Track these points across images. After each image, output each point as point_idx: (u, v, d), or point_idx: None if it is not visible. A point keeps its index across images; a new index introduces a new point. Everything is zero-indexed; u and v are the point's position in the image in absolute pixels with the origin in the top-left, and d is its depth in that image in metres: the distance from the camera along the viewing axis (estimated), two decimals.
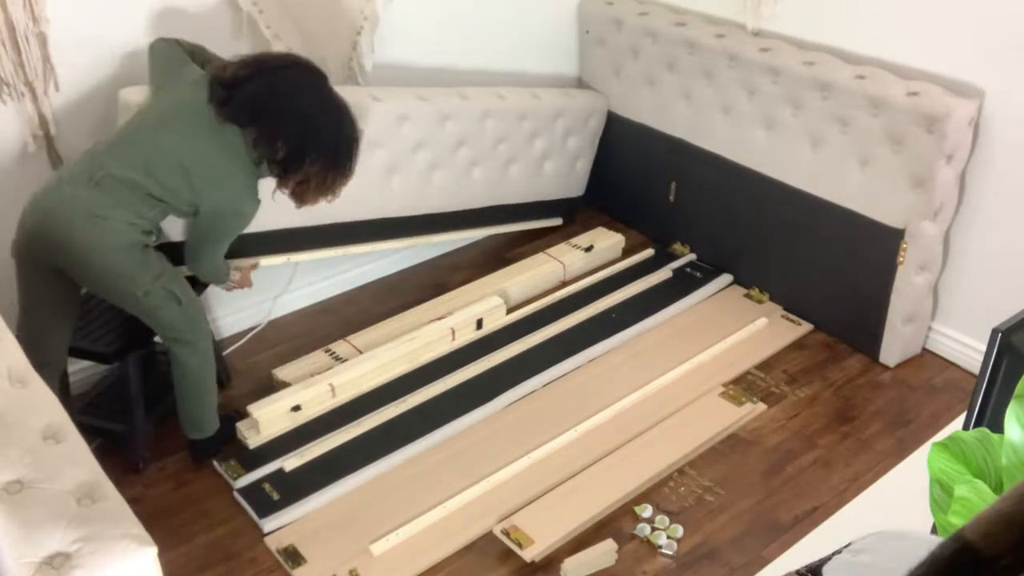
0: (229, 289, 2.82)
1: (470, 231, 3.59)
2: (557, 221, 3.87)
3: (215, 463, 2.75)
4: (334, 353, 3.14)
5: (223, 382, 2.98)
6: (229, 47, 2.93)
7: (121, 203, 2.35)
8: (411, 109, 3.12)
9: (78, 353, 2.63)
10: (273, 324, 3.38)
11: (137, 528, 1.44)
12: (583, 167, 3.81)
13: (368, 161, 3.01)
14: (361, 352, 3.10)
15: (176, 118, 2.39)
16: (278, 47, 2.97)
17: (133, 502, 1.56)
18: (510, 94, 3.43)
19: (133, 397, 2.66)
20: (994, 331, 1.24)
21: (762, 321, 3.29)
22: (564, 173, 3.74)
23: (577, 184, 3.85)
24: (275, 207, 2.59)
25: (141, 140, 2.38)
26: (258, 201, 2.48)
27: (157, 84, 2.51)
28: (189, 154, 2.37)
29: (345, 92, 2.85)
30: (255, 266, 2.92)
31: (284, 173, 2.44)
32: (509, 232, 3.77)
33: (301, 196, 2.49)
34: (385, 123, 3.06)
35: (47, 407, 1.72)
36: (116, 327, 2.66)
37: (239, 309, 3.30)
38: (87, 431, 2.74)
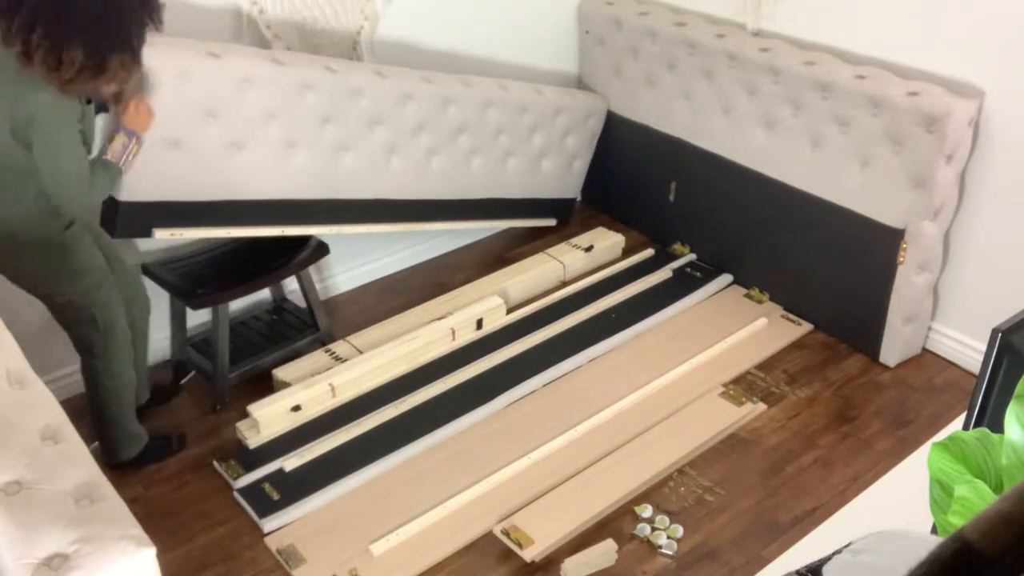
0: (125, 164, 2.45)
1: (464, 222, 3.55)
2: (551, 221, 3.86)
3: (215, 463, 2.75)
4: (334, 353, 3.14)
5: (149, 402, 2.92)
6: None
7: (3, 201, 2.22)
8: (415, 89, 3.10)
9: (173, 290, 2.89)
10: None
11: (136, 529, 1.44)
12: (580, 168, 3.82)
13: (368, 137, 3.03)
14: (361, 352, 3.10)
15: None
16: (278, 46, 2.97)
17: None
18: (513, 86, 3.42)
19: (219, 342, 2.90)
20: (994, 331, 1.24)
21: (762, 321, 3.29)
22: (561, 173, 3.74)
23: (573, 185, 3.85)
24: (266, 177, 2.54)
25: None
26: (53, 96, 2.12)
27: None
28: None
29: (350, 68, 2.86)
30: (140, 96, 2.47)
31: (26, 57, 2.04)
32: (502, 228, 3.74)
33: (78, 84, 2.10)
34: (388, 101, 3.04)
35: (46, 407, 1.72)
36: (214, 278, 2.90)
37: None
38: (184, 366, 3.05)
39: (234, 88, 2.68)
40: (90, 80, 2.11)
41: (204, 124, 2.67)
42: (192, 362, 3.07)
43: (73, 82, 2.09)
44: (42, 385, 1.80)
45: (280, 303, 3.36)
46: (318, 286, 3.47)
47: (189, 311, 3.04)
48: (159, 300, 2.96)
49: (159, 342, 3.08)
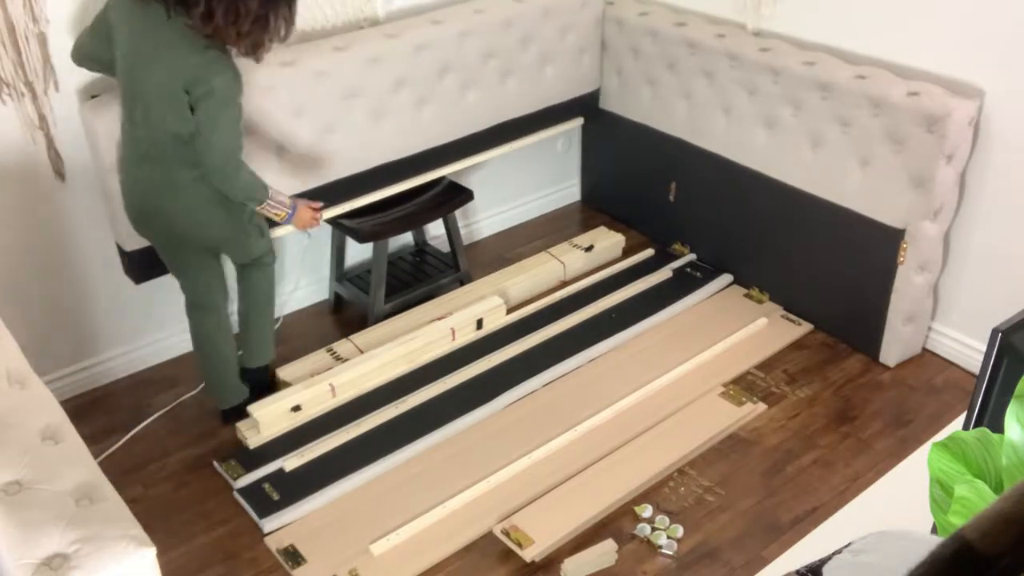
0: (280, 217, 2.62)
1: (502, 147, 3.53)
2: (578, 121, 3.78)
3: (215, 463, 2.75)
4: (335, 352, 3.14)
5: None
6: None
7: (178, 163, 2.43)
8: (428, 36, 3.13)
9: (344, 229, 3.23)
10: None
11: (136, 529, 1.44)
12: (591, 60, 3.68)
13: (396, 100, 3.10)
14: (362, 352, 3.10)
15: (132, 52, 2.38)
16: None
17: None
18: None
19: (375, 273, 3.27)
20: (994, 331, 1.24)
21: (762, 321, 3.29)
22: (571, 70, 3.62)
23: (590, 79, 3.71)
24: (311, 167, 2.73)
25: (135, 95, 2.40)
26: (237, 73, 2.37)
27: (113, 47, 2.44)
28: (163, 71, 2.34)
29: (358, 40, 3.00)
30: (319, 207, 2.76)
31: (208, 17, 2.26)
32: (537, 140, 3.66)
33: (221, 35, 2.30)
34: (404, 57, 3.08)
35: (46, 408, 1.72)
36: (379, 220, 3.24)
37: None
38: (343, 297, 3.50)
39: (262, 97, 2.80)
40: (262, 32, 2.33)
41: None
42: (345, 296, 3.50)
43: (249, 35, 2.31)
44: (42, 385, 1.80)
45: (422, 247, 3.71)
46: (317, 287, 3.49)
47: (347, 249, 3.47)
48: (319, 242, 3.40)
49: (320, 282, 3.51)
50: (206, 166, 2.43)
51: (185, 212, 2.52)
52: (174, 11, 2.29)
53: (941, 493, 1.09)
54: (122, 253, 2.83)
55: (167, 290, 2.99)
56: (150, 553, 1.42)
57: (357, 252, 3.52)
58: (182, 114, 2.36)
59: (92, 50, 2.49)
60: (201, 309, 2.78)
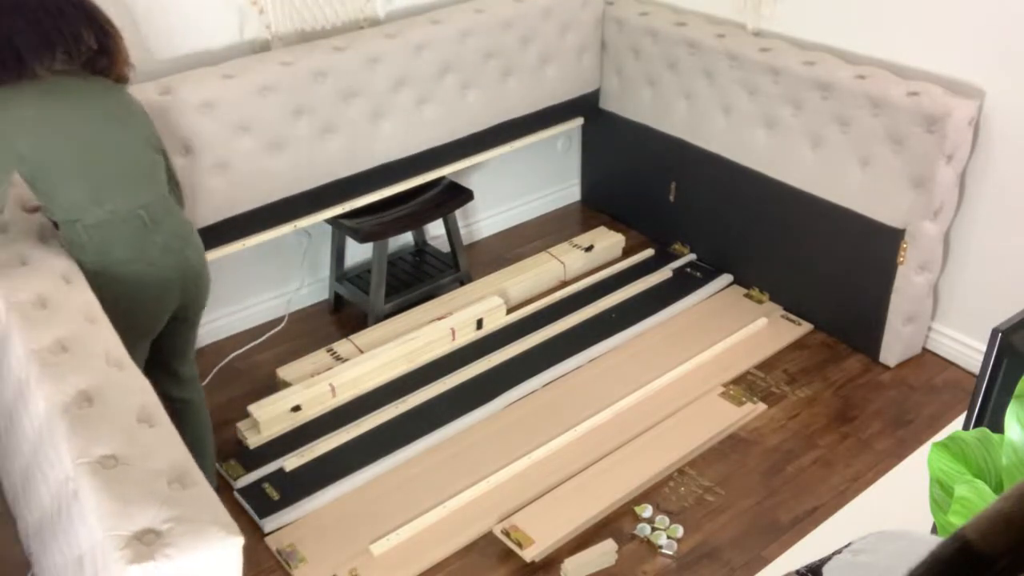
0: None
1: (502, 147, 3.54)
2: (578, 121, 3.79)
3: (215, 463, 2.75)
4: (335, 352, 3.14)
5: None
6: (229, 47, 2.93)
7: (175, 213, 2.25)
8: (428, 36, 3.13)
9: (344, 229, 3.24)
10: (274, 323, 3.39)
11: (226, 517, 1.44)
12: (591, 60, 3.67)
13: (396, 100, 3.10)
14: (362, 352, 3.10)
15: (75, 135, 2.07)
16: (277, 46, 2.98)
17: None
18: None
19: (377, 273, 3.27)
20: (994, 331, 1.24)
21: (762, 321, 3.29)
22: (571, 71, 3.62)
23: (590, 79, 3.71)
24: (307, 170, 2.73)
25: (103, 169, 2.11)
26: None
27: (34, 136, 2.05)
28: (123, 123, 2.16)
29: (357, 40, 3.00)
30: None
31: (111, 53, 2.12)
32: (537, 140, 3.66)
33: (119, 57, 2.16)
34: (404, 57, 3.08)
35: (141, 391, 1.73)
36: (378, 220, 3.24)
37: (252, 305, 3.33)
38: (343, 297, 3.29)
39: (257, 98, 2.80)
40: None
41: (239, 137, 2.81)
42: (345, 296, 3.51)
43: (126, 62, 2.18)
44: (138, 371, 1.81)
45: (422, 247, 3.72)
46: (318, 286, 3.49)
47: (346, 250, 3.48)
48: (319, 241, 3.42)
49: (320, 282, 3.51)
50: (175, 181, 2.34)
51: (196, 248, 2.31)
52: (90, 74, 2.10)
53: (941, 493, 1.09)
54: None
55: None
56: (239, 541, 1.42)
57: (357, 252, 3.52)
58: (159, 146, 2.25)
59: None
60: (176, 377, 2.45)
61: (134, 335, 2.12)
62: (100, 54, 2.10)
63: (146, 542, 1.36)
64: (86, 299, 1.99)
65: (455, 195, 3.43)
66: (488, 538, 2.50)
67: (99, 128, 2.10)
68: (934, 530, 1.19)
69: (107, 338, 1.87)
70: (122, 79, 2.17)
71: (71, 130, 2.06)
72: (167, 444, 1.59)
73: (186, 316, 2.34)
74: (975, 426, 1.29)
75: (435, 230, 3.71)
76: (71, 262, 2.11)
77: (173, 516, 1.41)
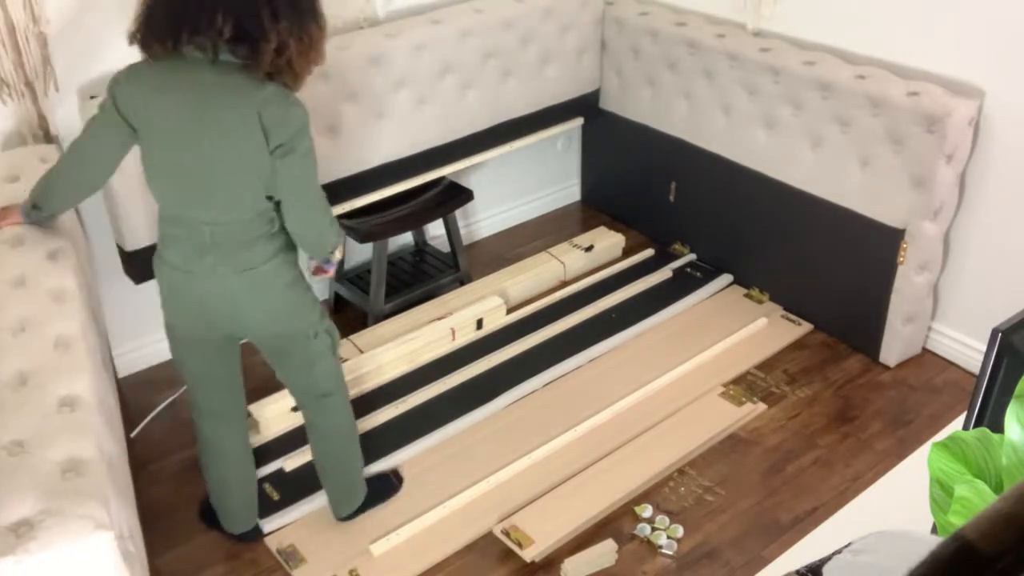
0: (326, 268, 2.22)
1: (502, 147, 3.52)
2: (578, 121, 3.77)
3: None
4: None
5: None
6: None
7: (256, 245, 2.03)
8: (428, 36, 3.13)
9: (344, 229, 3.07)
10: None
11: (100, 511, 1.40)
12: (591, 60, 3.67)
13: (395, 100, 3.10)
14: (362, 352, 3.10)
15: (174, 128, 1.93)
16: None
17: None
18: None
19: (377, 273, 3.28)
20: (994, 331, 1.24)
21: (762, 321, 3.29)
22: (571, 70, 3.61)
23: (590, 79, 3.70)
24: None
25: (190, 176, 1.97)
26: (301, 103, 1.98)
27: (135, 126, 1.98)
28: (230, 132, 1.91)
29: (357, 38, 2.99)
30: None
31: (255, 48, 1.86)
32: (537, 140, 3.64)
33: (293, 66, 1.93)
34: (403, 57, 3.08)
35: (82, 375, 1.71)
36: (378, 220, 3.24)
37: None
38: (343, 297, 3.30)
39: None
40: (320, 58, 2.01)
41: None
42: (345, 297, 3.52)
43: (316, 61, 1.99)
44: (85, 353, 1.78)
45: (422, 247, 3.72)
46: (319, 286, 3.49)
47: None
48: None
49: (320, 282, 3.38)
50: (303, 235, 2.07)
51: (269, 313, 2.12)
52: (223, 52, 1.87)
53: (941, 493, 1.09)
54: (122, 253, 2.82)
55: None
56: (108, 536, 1.40)
57: (357, 252, 3.52)
58: (265, 178, 1.96)
59: (94, 173, 2.10)
60: (220, 418, 2.37)
61: (177, 346, 2.24)
62: (237, 42, 1.86)
63: (19, 534, 1.35)
64: (63, 281, 1.98)
65: (455, 195, 3.43)
66: (488, 538, 2.50)
67: (198, 132, 1.92)
68: (934, 530, 1.19)
69: (66, 323, 1.85)
70: (275, 80, 1.92)
71: (164, 125, 1.94)
72: (79, 431, 1.56)
73: (265, 349, 2.27)
74: (975, 426, 1.29)
75: (435, 230, 3.71)
76: (64, 241, 2.13)
77: (47, 508, 1.39)
